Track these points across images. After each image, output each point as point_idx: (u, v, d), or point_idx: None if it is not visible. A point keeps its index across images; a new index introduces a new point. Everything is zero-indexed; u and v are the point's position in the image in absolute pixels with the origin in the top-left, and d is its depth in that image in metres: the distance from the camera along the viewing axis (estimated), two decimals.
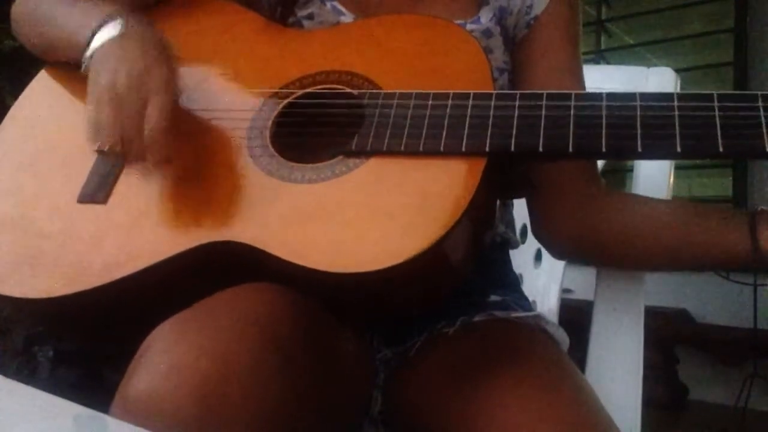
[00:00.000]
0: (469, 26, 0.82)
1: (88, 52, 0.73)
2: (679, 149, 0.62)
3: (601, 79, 1.04)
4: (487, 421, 0.65)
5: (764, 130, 0.60)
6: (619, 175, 3.01)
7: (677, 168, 0.99)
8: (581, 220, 0.83)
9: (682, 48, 4.01)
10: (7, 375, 0.53)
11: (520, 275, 1.04)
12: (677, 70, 1.02)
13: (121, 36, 0.72)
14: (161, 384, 0.52)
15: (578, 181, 0.83)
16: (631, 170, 0.99)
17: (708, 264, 0.78)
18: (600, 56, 3.95)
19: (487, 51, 0.81)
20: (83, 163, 0.76)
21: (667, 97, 0.65)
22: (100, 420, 0.46)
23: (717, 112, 0.62)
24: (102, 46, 0.72)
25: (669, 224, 0.79)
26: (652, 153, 0.64)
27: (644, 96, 0.65)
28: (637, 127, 0.63)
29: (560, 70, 0.83)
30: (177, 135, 0.70)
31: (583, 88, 0.85)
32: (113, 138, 0.68)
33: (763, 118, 0.61)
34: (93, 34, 0.74)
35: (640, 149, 0.63)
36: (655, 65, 1.04)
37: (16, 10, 0.89)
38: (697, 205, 0.83)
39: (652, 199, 0.84)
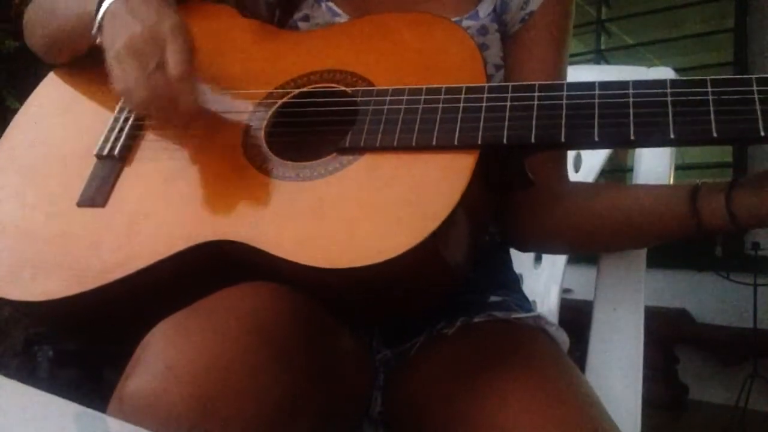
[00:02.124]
0: (465, 22, 0.82)
1: (97, 22, 0.74)
2: (672, 135, 0.61)
3: (601, 79, 1.03)
4: (488, 422, 0.65)
5: (759, 115, 0.59)
6: (619, 175, 3.02)
7: (677, 168, 0.99)
8: (547, 216, 0.83)
9: (682, 48, 4.01)
10: (7, 375, 0.53)
11: (520, 275, 1.04)
12: (677, 70, 1.01)
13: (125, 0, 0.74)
14: (158, 384, 0.52)
15: (547, 179, 0.82)
16: (631, 170, 0.99)
17: (661, 242, 0.81)
18: (600, 56, 3.95)
19: (484, 48, 0.81)
20: (82, 167, 0.77)
21: (661, 84, 0.64)
22: (100, 420, 0.46)
23: (710, 97, 0.62)
24: (108, 12, 0.74)
25: (618, 213, 0.80)
26: (645, 140, 0.63)
27: (637, 84, 0.65)
28: (629, 114, 0.63)
29: (544, 69, 0.83)
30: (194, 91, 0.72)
31: None
32: (145, 94, 0.69)
33: (757, 102, 0.60)
34: (99, 5, 0.75)
35: (632, 137, 0.62)
36: (655, 65, 1.04)
37: (27, 18, 0.90)
38: (644, 188, 0.85)
39: (603, 187, 0.85)
